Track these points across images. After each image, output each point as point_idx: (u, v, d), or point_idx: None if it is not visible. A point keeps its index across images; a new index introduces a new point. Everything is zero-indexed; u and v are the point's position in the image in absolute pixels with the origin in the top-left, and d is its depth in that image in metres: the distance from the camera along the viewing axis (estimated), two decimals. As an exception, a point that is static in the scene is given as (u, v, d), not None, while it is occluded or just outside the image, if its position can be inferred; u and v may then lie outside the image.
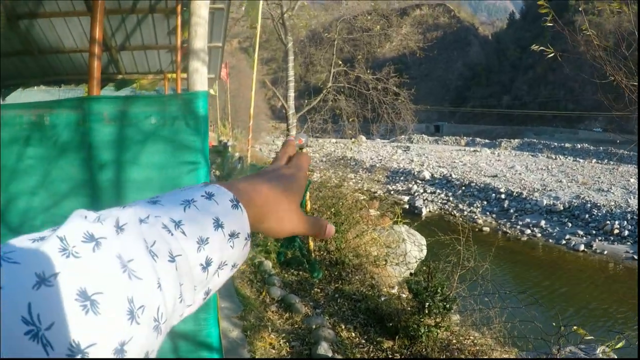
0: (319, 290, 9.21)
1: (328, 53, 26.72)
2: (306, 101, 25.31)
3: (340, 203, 11.57)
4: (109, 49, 10.21)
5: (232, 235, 0.75)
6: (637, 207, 31.30)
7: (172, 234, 0.68)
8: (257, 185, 0.89)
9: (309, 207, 10.27)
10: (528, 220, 32.55)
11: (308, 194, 10.13)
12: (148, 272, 0.62)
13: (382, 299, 8.61)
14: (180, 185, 3.72)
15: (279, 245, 10.79)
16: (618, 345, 5.87)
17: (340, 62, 24.79)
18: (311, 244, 10.30)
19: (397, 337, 7.46)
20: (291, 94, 22.21)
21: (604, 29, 48.15)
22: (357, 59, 26.75)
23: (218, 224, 0.73)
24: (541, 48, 5.67)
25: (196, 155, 3.63)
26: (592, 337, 8.66)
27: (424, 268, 7.83)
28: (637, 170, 46.73)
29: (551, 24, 5.31)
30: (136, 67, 12.62)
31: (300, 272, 9.96)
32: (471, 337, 8.16)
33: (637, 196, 33.31)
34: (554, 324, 7.96)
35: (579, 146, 62.14)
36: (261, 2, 16.44)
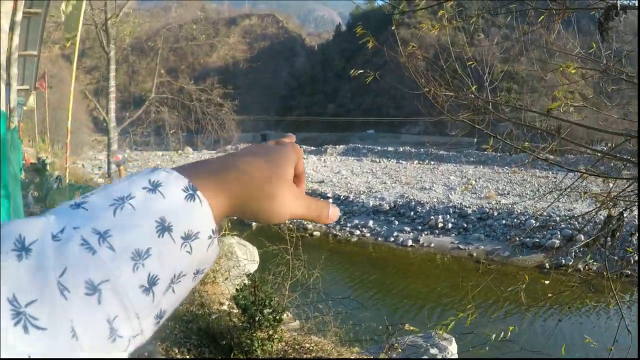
0: (147, 315, 8.73)
1: (153, 62, 25.95)
2: (128, 113, 24.38)
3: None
4: None
5: (188, 237, 0.55)
6: (458, 202, 33.49)
7: (94, 252, 0.48)
8: (229, 160, 0.68)
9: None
10: (357, 221, 33.49)
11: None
12: (54, 317, 0.43)
13: (213, 317, 8.34)
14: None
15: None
16: (450, 326, 6.07)
17: (163, 72, 24.14)
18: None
19: (232, 354, 7.24)
20: (112, 105, 21.21)
21: (425, 42, 50.84)
22: (181, 69, 26.24)
23: (164, 227, 0.53)
24: (360, 71, 5.78)
25: (-7, 184, 3.18)
26: (418, 330, 9.03)
27: (249, 282, 7.68)
28: (454, 168, 50.05)
29: (371, 45, 5.39)
30: None
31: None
32: (307, 345, 8.12)
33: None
34: (380, 326, 8.19)
35: (402, 149, 65.15)
36: (83, 6, 15.24)
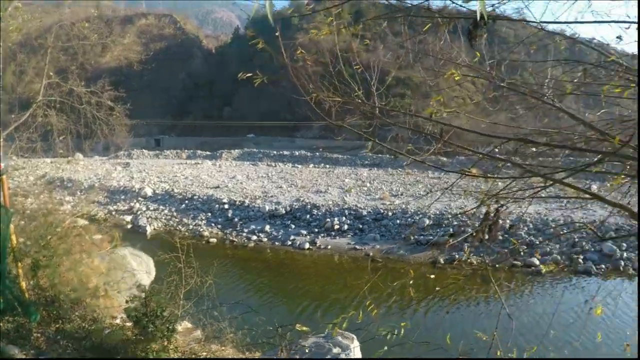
0: (39, 335, 8.28)
1: (42, 62, 24.74)
2: (13, 117, 23.13)
3: (50, 234, 10.44)
4: None
5: None
6: (353, 204, 34.14)
7: None
8: None
9: (14, 242, 9.08)
10: (253, 226, 33.48)
11: (12, 227, 8.99)
12: None
13: (107, 331, 8.06)
14: None
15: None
16: (345, 325, 6.16)
17: (52, 73, 23.04)
18: (23, 283, 9.19)
19: (127, 368, 7.06)
20: (-4, 108, 20.07)
21: (321, 48, 51.60)
22: (71, 70, 25.12)
23: None
24: (249, 74, 5.77)
25: None
26: (310, 330, 9.19)
27: (139, 293, 7.52)
28: (349, 171, 50.93)
29: (260, 46, 5.41)
30: None
31: (16, 317, 8.81)
32: (204, 354, 8.05)
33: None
34: (270, 327, 8.27)
35: (297, 153, 65.84)
36: None
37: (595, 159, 4.64)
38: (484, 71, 5.61)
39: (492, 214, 5.43)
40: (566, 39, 5.89)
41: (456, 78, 4.86)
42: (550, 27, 5.79)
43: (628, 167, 5.11)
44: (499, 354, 5.63)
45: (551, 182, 4.97)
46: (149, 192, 43.05)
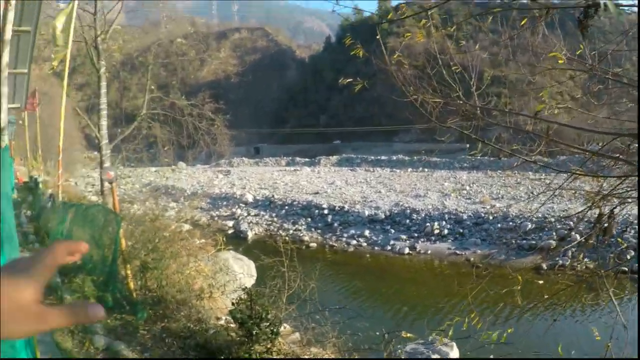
0: (145, 332, 8.62)
1: (144, 78, 25.87)
2: (119, 130, 24.27)
3: (157, 238, 10.87)
4: None
5: None
6: (453, 208, 33.55)
7: None
8: None
9: (123, 245, 9.54)
10: (353, 231, 33.48)
11: (122, 231, 9.44)
12: None
13: (211, 332, 8.27)
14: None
15: (97, 289, 9.97)
16: (450, 334, 6.03)
17: (154, 88, 24.04)
18: (131, 284, 9.62)
19: (230, 369, 7.21)
20: (104, 122, 21.04)
21: (414, 51, 51.48)
22: (172, 85, 26.18)
23: None
24: (349, 80, 5.79)
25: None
26: (416, 337, 9.04)
27: (245, 296, 7.66)
28: (447, 174, 50.15)
29: (360, 53, 5.43)
30: None
31: (124, 315, 9.24)
32: (305, 356, 8.11)
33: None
34: (377, 333, 8.21)
35: (395, 158, 65.44)
36: (73, 22, 15.15)
37: None
38: (589, 64, 5.33)
39: (605, 216, 5.10)
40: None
41: (560, 62, 4.63)
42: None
43: None
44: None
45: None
46: (249, 198, 43.99)
